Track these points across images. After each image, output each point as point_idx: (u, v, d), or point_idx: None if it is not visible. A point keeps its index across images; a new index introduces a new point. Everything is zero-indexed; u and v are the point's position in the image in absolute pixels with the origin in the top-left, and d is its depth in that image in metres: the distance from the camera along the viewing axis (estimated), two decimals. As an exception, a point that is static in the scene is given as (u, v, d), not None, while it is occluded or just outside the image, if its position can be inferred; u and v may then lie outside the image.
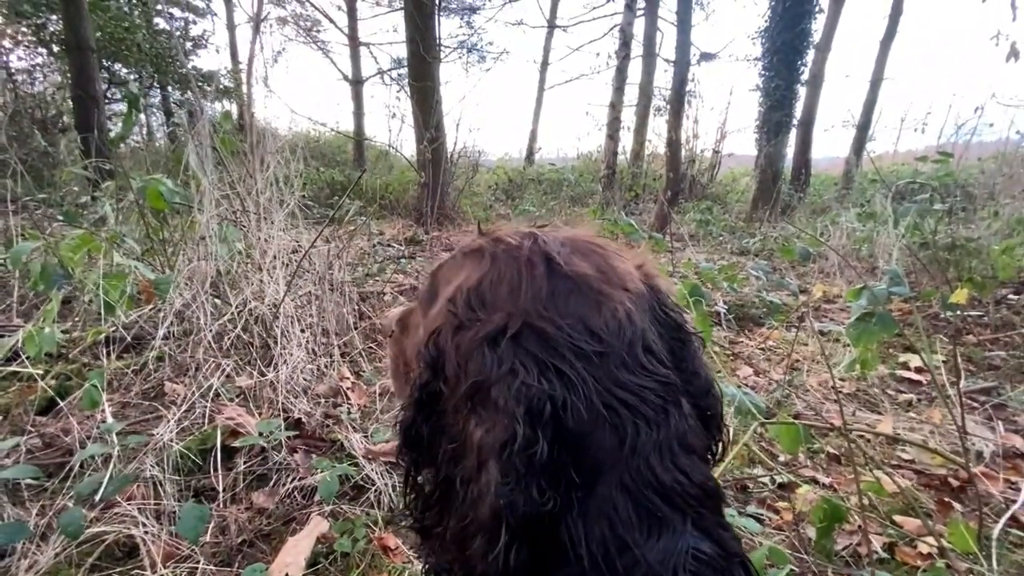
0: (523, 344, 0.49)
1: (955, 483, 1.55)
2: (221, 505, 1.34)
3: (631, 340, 0.52)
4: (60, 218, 2.74)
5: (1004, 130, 6.28)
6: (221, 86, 12.20)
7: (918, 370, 2.34)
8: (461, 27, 17.04)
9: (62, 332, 1.93)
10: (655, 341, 0.54)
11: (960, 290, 1.93)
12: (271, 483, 1.46)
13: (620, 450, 0.48)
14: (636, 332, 0.52)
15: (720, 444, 0.63)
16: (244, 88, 12.67)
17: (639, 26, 10.84)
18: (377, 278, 3.76)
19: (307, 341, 1.99)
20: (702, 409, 0.58)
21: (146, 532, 1.20)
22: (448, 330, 0.54)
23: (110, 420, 1.43)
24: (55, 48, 9.20)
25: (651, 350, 0.53)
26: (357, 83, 14.77)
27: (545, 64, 17.78)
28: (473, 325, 0.52)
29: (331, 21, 15.07)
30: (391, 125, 16.72)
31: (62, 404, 1.57)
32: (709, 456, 0.61)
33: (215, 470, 1.39)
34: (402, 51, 10.23)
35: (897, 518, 1.37)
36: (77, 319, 2.05)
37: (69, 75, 6.72)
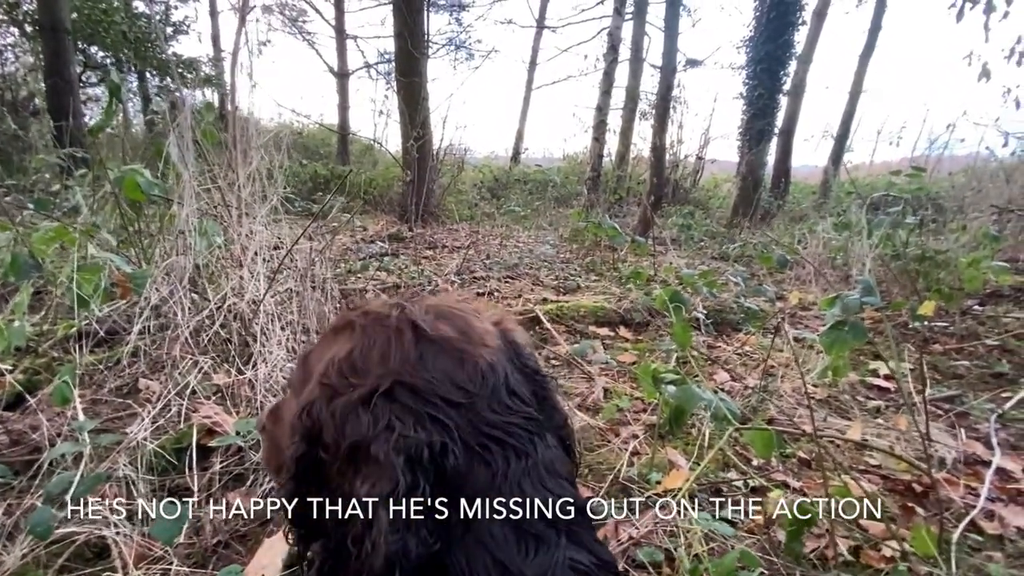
0: (397, 399, 0.53)
1: (919, 488, 1.61)
2: (196, 505, 1.32)
3: (494, 386, 0.57)
4: (31, 206, 2.66)
5: (975, 145, 6.50)
6: (203, 74, 11.94)
7: (887, 377, 2.41)
8: (450, 23, 17.01)
9: (32, 325, 1.88)
10: (517, 385, 0.59)
11: (927, 302, 2.00)
12: (248, 483, 1.44)
13: (493, 482, 0.52)
14: (499, 379, 0.58)
15: (576, 467, 0.70)
16: (227, 77, 12.40)
17: (627, 30, 10.91)
18: (360, 275, 3.73)
19: (287, 339, 1.97)
20: (562, 439, 0.64)
21: (118, 533, 1.17)
22: (322, 400, 0.56)
23: (81, 417, 1.40)
24: (29, 29, 8.88)
25: (514, 392, 0.58)
26: (343, 76, 14.59)
27: (533, 64, 17.82)
28: (347, 391, 0.55)
29: (318, 12, 14.86)
30: (376, 120, 16.55)
31: (31, 400, 1.53)
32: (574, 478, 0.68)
33: (190, 469, 1.37)
34: (390, 45, 10.14)
35: (863, 522, 1.41)
36: (48, 312, 1.99)
37: (43, 57, 6.50)
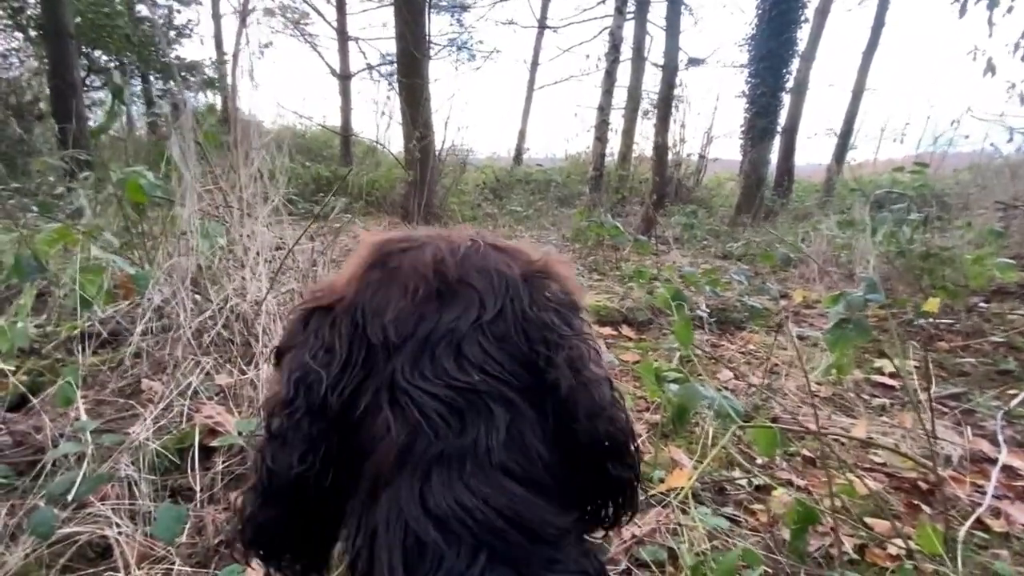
0: (326, 322, 0.53)
1: (924, 486, 1.59)
2: (198, 505, 1.32)
3: (429, 336, 0.47)
4: (34, 209, 2.68)
5: (979, 142, 6.46)
6: (205, 77, 11.99)
7: (892, 375, 2.40)
8: (452, 25, 16.97)
9: (35, 327, 1.89)
10: (481, 340, 0.47)
11: (931, 299, 1.98)
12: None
13: (399, 461, 0.42)
14: (441, 329, 0.47)
15: (620, 505, 0.58)
16: (229, 80, 12.45)
17: (629, 30, 10.89)
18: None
19: (289, 339, 1.97)
20: (561, 421, 0.49)
21: (120, 533, 1.18)
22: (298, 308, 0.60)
23: (84, 418, 1.40)
24: (33, 33, 8.94)
25: (462, 353, 0.46)
26: (345, 78, 14.61)
27: (535, 64, 17.77)
28: (311, 303, 0.57)
29: (319, 14, 14.88)
30: (379, 121, 16.55)
31: (34, 401, 1.53)
32: (590, 501, 0.57)
33: (192, 469, 1.37)
34: (392, 47, 10.16)
35: (868, 520, 1.40)
36: (51, 314, 2.00)
37: (47, 61, 6.54)
